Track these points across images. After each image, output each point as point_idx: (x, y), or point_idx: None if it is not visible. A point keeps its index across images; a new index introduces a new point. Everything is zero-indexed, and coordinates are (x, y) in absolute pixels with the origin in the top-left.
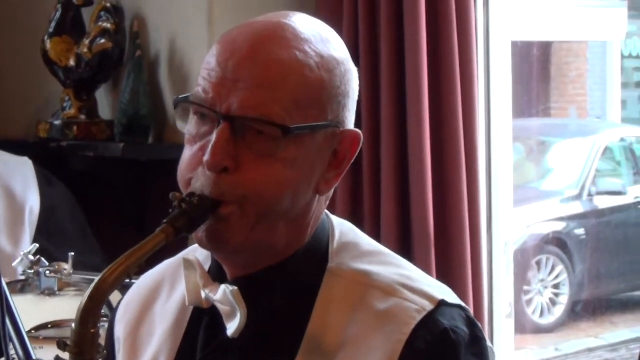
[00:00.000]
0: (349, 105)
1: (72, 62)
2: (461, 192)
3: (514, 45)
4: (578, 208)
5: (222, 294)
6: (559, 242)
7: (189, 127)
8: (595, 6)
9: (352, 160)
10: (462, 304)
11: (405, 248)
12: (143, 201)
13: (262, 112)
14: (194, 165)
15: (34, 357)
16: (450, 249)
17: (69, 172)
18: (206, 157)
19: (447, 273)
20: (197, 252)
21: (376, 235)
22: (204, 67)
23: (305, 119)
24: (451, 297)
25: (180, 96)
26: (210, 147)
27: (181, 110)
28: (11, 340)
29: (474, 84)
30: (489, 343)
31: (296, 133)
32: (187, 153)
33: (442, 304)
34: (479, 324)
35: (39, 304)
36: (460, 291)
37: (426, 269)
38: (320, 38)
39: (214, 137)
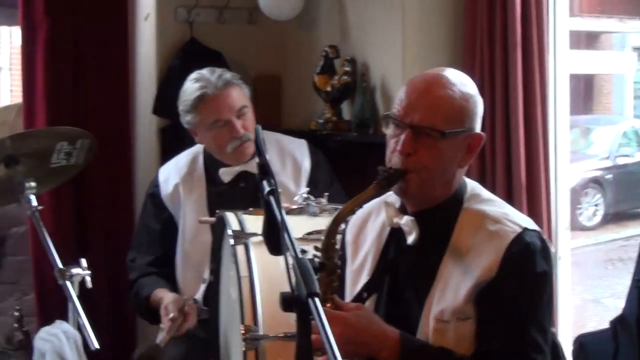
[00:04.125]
0: (477, 119)
1: (328, 89)
2: (540, 158)
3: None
4: (608, 164)
5: (405, 220)
6: (597, 181)
7: (389, 130)
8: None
9: (479, 149)
10: (537, 228)
11: (510, 193)
12: (366, 166)
13: (430, 123)
14: (392, 151)
15: (299, 254)
16: (535, 192)
17: (326, 149)
18: (399, 147)
19: (532, 204)
20: (391, 197)
21: (493, 187)
22: (398, 98)
23: (453, 127)
24: (532, 225)
25: (385, 113)
26: (401, 141)
27: (384, 120)
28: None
29: (547, 99)
30: (552, 249)
31: (448, 135)
32: (389, 144)
33: (525, 229)
34: (547, 239)
35: (308, 221)
36: (540, 213)
37: (519, 204)
38: (461, 82)
39: (403, 136)
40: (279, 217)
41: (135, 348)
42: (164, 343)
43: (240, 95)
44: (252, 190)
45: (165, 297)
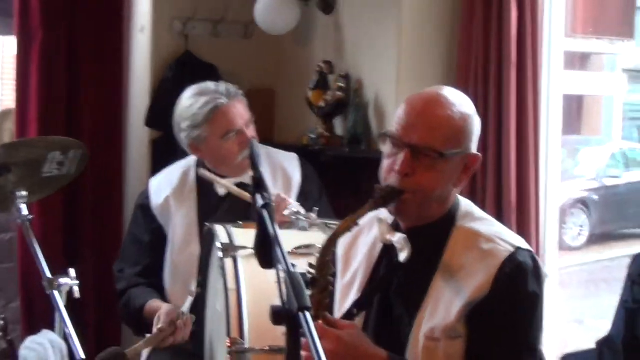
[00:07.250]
0: (474, 139)
1: (322, 104)
2: (531, 177)
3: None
4: (595, 184)
5: (398, 238)
6: (583, 202)
7: (385, 148)
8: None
9: (475, 169)
10: (530, 248)
11: (500, 212)
12: (359, 182)
13: (429, 144)
14: (389, 170)
15: (291, 268)
16: (525, 208)
17: (318, 164)
18: (396, 167)
19: (522, 223)
20: (384, 213)
21: (483, 205)
22: (397, 116)
23: (452, 148)
24: (524, 244)
25: (383, 131)
26: (399, 161)
27: (382, 138)
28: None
29: (539, 119)
30: (544, 270)
31: (446, 156)
32: (386, 163)
33: (518, 248)
34: (538, 259)
35: (297, 236)
36: (529, 232)
37: (509, 222)
38: (460, 102)
39: (401, 156)
40: (271, 231)
41: None
42: (136, 352)
43: (246, 108)
44: (242, 204)
45: (161, 307)
